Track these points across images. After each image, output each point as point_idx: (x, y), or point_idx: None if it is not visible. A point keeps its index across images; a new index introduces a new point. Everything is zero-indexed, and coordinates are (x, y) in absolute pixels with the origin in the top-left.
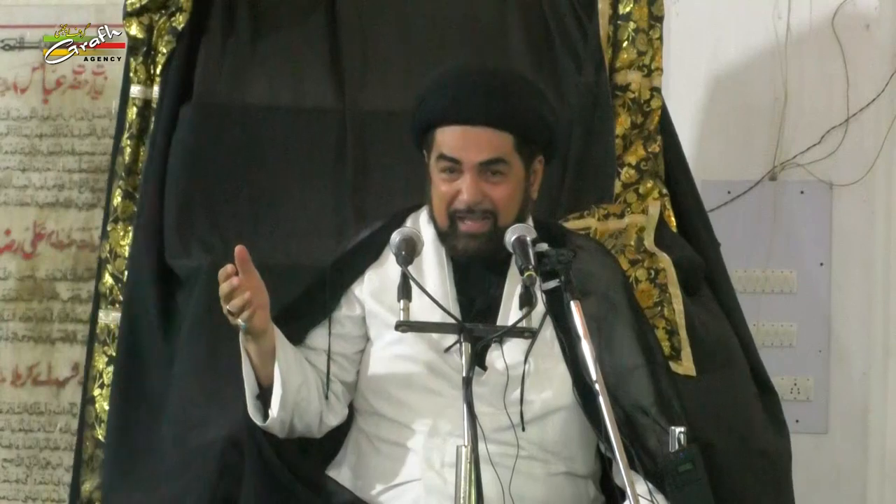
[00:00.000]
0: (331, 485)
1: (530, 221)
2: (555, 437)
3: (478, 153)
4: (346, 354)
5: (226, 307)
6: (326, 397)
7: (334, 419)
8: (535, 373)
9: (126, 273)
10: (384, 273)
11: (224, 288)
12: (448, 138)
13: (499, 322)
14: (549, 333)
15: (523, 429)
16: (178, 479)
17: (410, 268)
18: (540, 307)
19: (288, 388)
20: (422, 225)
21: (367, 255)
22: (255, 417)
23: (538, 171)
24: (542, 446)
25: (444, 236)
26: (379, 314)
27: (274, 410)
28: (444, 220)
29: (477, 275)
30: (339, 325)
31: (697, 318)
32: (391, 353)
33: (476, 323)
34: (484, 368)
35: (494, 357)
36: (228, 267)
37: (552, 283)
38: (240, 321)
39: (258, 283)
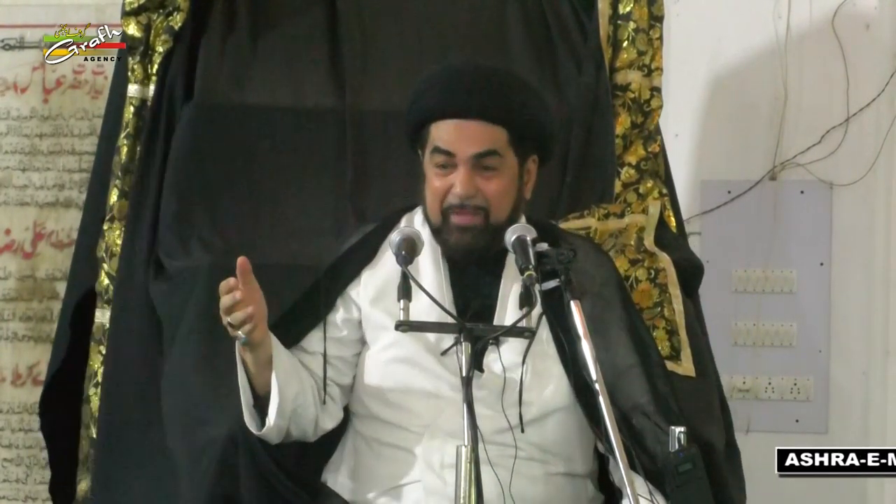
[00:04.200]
0: (326, 491)
1: (523, 220)
2: (553, 438)
3: (471, 145)
4: (344, 357)
5: (226, 319)
6: (324, 402)
7: (330, 422)
8: (532, 374)
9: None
10: (379, 275)
11: (226, 301)
12: (442, 132)
13: (496, 324)
14: (545, 334)
15: (522, 430)
16: (177, 478)
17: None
18: (537, 308)
19: (285, 396)
20: (416, 226)
21: (362, 257)
22: (252, 426)
23: (532, 172)
24: (540, 447)
25: (437, 232)
26: (375, 317)
27: (271, 419)
28: (437, 215)
29: (472, 276)
30: (336, 329)
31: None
32: (388, 356)
33: (475, 323)
34: (481, 371)
35: (491, 360)
36: (231, 280)
37: (552, 283)
38: (240, 334)
39: (259, 295)
